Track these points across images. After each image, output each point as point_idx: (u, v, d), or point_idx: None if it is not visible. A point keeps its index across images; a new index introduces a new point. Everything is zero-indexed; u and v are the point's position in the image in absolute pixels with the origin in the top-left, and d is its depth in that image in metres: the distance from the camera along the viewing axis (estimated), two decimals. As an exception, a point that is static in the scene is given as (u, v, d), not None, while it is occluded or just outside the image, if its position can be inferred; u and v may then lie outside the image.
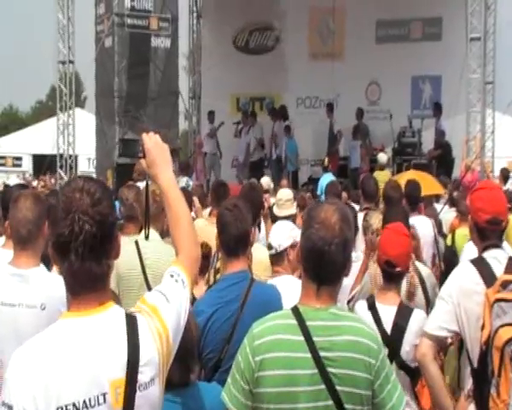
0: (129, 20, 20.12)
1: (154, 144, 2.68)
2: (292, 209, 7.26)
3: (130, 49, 20.16)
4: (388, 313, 4.06)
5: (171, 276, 2.43)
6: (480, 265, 3.59)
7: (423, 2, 17.93)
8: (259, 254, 4.79)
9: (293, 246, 4.36)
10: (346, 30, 19.10)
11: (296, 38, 19.58)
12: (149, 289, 4.66)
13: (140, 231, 5.27)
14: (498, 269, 3.50)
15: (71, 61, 17.06)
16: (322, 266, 2.63)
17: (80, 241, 2.11)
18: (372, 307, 4.09)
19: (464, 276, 3.62)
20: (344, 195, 9.40)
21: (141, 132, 2.76)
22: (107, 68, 20.16)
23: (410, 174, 9.93)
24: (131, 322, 2.19)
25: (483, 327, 3.32)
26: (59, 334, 2.15)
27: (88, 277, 2.15)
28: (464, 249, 6.39)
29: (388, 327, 4.01)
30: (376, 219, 5.58)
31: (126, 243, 5.24)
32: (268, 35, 20.63)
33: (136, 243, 5.05)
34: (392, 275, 4.19)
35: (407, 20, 18.89)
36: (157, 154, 2.66)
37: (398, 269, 4.17)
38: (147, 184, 2.95)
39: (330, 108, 18.24)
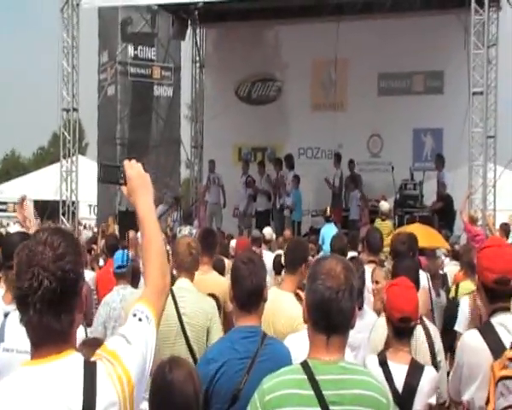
0: (132, 69, 20.37)
1: (135, 173, 2.67)
2: None
3: (133, 97, 20.40)
4: (400, 372, 4.02)
5: (134, 315, 2.39)
6: (488, 334, 3.51)
7: (425, 55, 18.09)
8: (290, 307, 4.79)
9: None
10: (349, 81, 19.24)
11: (298, 88, 19.74)
12: (186, 338, 4.71)
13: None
14: (507, 338, 3.43)
15: (75, 109, 17.14)
16: (331, 315, 2.67)
17: (38, 296, 2.10)
18: (383, 364, 4.05)
19: (471, 348, 3.58)
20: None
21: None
22: (109, 116, 20.35)
23: (415, 228, 9.92)
24: (89, 369, 2.16)
25: (487, 402, 3.27)
26: (16, 382, 2.15)
27: (47, 332, 2.15)
28: (460, 304, 6.36)
29: (399, 386, 3.97)
30: (380, 273, 5.55)
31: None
32: (270, 86, 20.77)
33: (172, 291, 5.07)
34: (405, 331, 4.15)
35: (409, 73, 19.03)
36: (138, 182, 2.65)
37: (412, 323, 4.15)
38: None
39: (338, 158, 18.25)
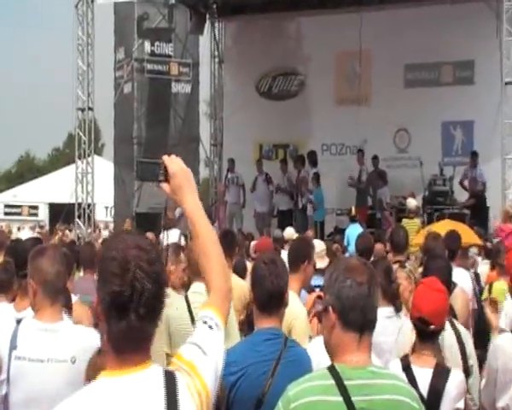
0: (149, 66, 20.42)
1: (179, 169, 2.61)
2: (322, 262, 7.09)
3: (150, 94, 20.45)
4: (424, 376, 3.96)
5: (205, 322, 2.42)
6: None
7: (454, 44, 17.94)
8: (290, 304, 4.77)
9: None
10: (373, 74, 19.16)
11: (321, 82, 19.69)
12: None
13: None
14: None
15: (90, 108, 17.23)
16: (366, 311, 2.68)
17: (142, 300, 2.12)
18: (407, 369, 4.00)
19: (507, 353, 3.51)
20: (379, 246, 9.25)
21: (160, 156, 2.69)
22: (126, 115, 20.42)
23: (446, 224, 9.82)
24: (170, 382, 2.18)
25: None
26: (97, 394, 2.13)
27: (142, 337, 2.17)
28: (504, 307, 6.25)
29: (424, 391, 3.90)
30: (402, 274, 5.53)
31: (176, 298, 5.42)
32: (292, 80, 20.74)
33: (186, 297, 5.19)
34: (425, 333, 4.08)
35: (437, 64, 18.88)
36: (183, 178, 2.61)
37: (431, 327, 4.07)
38: (164, 215, 2.92)
39: (362, 154, 18.19)
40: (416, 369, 4.00)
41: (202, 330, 2.40)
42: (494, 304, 5.13)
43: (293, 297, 4.95)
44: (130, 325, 2.12)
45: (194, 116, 21.67)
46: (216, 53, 21.91)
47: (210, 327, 2.40)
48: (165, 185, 2.62)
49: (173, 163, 2.61)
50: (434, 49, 18.21)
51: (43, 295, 3.78)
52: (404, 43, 18.30)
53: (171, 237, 10.12)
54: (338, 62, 19.84)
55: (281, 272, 3.91)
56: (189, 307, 5.14)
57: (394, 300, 5.22)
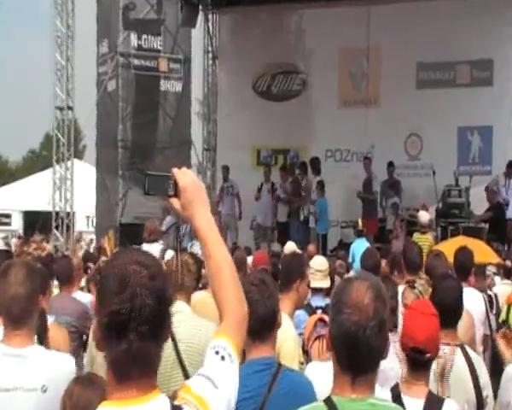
0: (135, 61, 20.41)
1: (190, 182, 2.61)
2: (324, 282, 7.11)
3: (137, 93, 20.42)
4: (415, 407, 3.97)
5: (217, 353, 2.41)
6: None
7: (471, 42, 18.03)
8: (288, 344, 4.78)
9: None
10: (382, 73, 19.24)
11: (325, 82, 19.75)
12: (183, 367, 4.73)
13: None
14: None
15: (69, 108, 17.24)
16: (357, 354, 2.65)
17: (142, 318, 2.13)
18: (396, 398, 3.99)
19: None
20: (384, 264, 9.26)
21: (169, 168, 2.70)
22: (109, 115, 20.39)
23: (460, 241, 9.85)
24: None
25: None
26: None
27: (146, 359, 2.17)
28: None
29: None
30: (411, 295, 5.51)
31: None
32: (293, 79, 20.79)
33: None
34: (420, 363, 4.09)
35: (452, 63, 18.95)
36: (194, 193, 2.61)
37: (427, 356, 4.10)
38: (177, 234, 2.93)
39: (369, 161, 18.24)
40: (406, 399, 3.99)
41: (214, 361, 2.40)
42: (507, 339, 5.16)
43: (284, 319, 5.00)
44: (130, 346, 2.13)
45: (186, 117, 21.65)
46: (209, 48, 21.98)
47: (222, 358, 2.40)
48: (174, 201, 2.62)
49: (184, 176, 2.62)
50: (449, 47, 18.30)
51: (4, 319, 3.75)
52: (416, 39, 18.36)
53: (152, 251, 10.05)
54: (343, 60, 19.88)
55: (273, 292, 3.92)
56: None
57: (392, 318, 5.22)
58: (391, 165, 17.99)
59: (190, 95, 21.93)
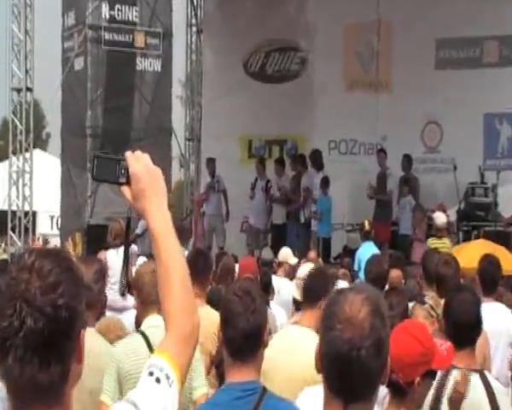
0: (107, 35, 20.39)
1: (143, 167, 2.59)
2: None
3: (108, 72, 20.42)
4: None
5: (151, 374, 2.37)
6: None
7: (500, 16, 18.07)
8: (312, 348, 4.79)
9: None
10: (395, 52, 19.29)
11: (328, 61, 19.75)
12: None
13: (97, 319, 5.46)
14: None
15: (28, 89, 17.16)
16: (349, 378, 2.61)
17: (20, 339, 2.06)
18: None
19: None
20: (395, 273, 9.20)
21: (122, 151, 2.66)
22: (77, 98, 20.37)
23: (479, 245, 9.86)
24: None
25: None
26: None
27: (31, 387, 2.11)
28: None
29: None
30: (421, 313, 5.58)
31: (132, 336, 5.54)
32: (291, 57, 20.82)
33: (143, 333, 5.21)
34: (391, 385, 3.93)
35: (478, 39, 18.96)
36: (148, 181, 2.59)
37: (393, 376, 4.01)
38: (127, 231, 2.96)
39: (384, 154, 18.12)
40: None
41: (146, 383, 2.36)
42: None
43: (313, 340, 4.98)
44: (10, 371, 2.09)
45: (166, 101, 21.69)
46: (193, 21, 21.98)
47: (157, 380, 2.35)
48: (126, 189, 2.60)
49: (137, 161, 2.59)
50: (474, 20, 18.29)
51: None
52: (435, 12, 18.38)
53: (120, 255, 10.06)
54: (350, 36, 19.94)
55: (258, 305, 3.93)
56: (149, 347, 5.11)
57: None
58: (407, 157, 17.93)
59: (171, 75, 22.00)
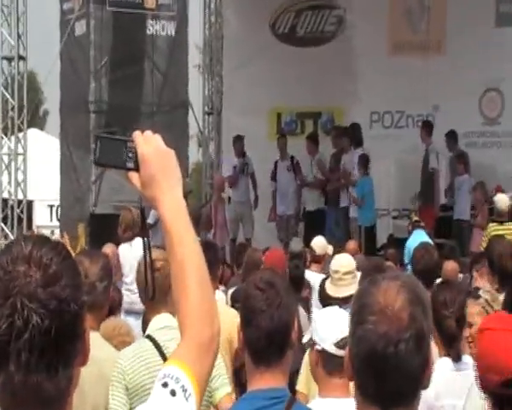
0: (112, -5, 20.41)
1: (153, 150, 2.60)
2: (354, 287, 7.12)
3: (115, 38, 20.44)
4: None
5: (165, 385, 2.39)
6: None
7: None
8: None
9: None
10: (449, 7, 19.26)
11: (370, 20, 19.80)
12: None
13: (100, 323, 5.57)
14: None
15: (21, 57, 17.18)
16: (386, 379, 2.61)
17: (25, 341, 2.03)
18: None
19: None
20: (450, 266, 9.14)
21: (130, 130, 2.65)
22: (78, 68, 20.43)
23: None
24: None
25: None
26: None
27: (35, 396, 2.07)
28: None
29: None
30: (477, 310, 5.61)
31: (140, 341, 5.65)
32: (325, 16, 20.86)
33: (151, 337, 5.28)
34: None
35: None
36: (159, 165, 2.60)
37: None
38: (143, 224, 3.00)
39: (429, 128, 18.11)
40: None
41: (160, 396, 2.37)
42: None
43: None
44: (11, 381, 2.04)
45: (181, 71, 21.71)
46: (212, -24, 21.99)
47: (172, 393, 2.36)
48: (134, 175, 2.62)
49: (146, 142, 2.60)
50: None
51: None
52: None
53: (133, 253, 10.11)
54: (395, -10, 20.00)
55: (285, 299, 3.89)
56: (160, 352, 5.17)
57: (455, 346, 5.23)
58: (452, 135, 17.93)
59: (187, 41, 21.99)
